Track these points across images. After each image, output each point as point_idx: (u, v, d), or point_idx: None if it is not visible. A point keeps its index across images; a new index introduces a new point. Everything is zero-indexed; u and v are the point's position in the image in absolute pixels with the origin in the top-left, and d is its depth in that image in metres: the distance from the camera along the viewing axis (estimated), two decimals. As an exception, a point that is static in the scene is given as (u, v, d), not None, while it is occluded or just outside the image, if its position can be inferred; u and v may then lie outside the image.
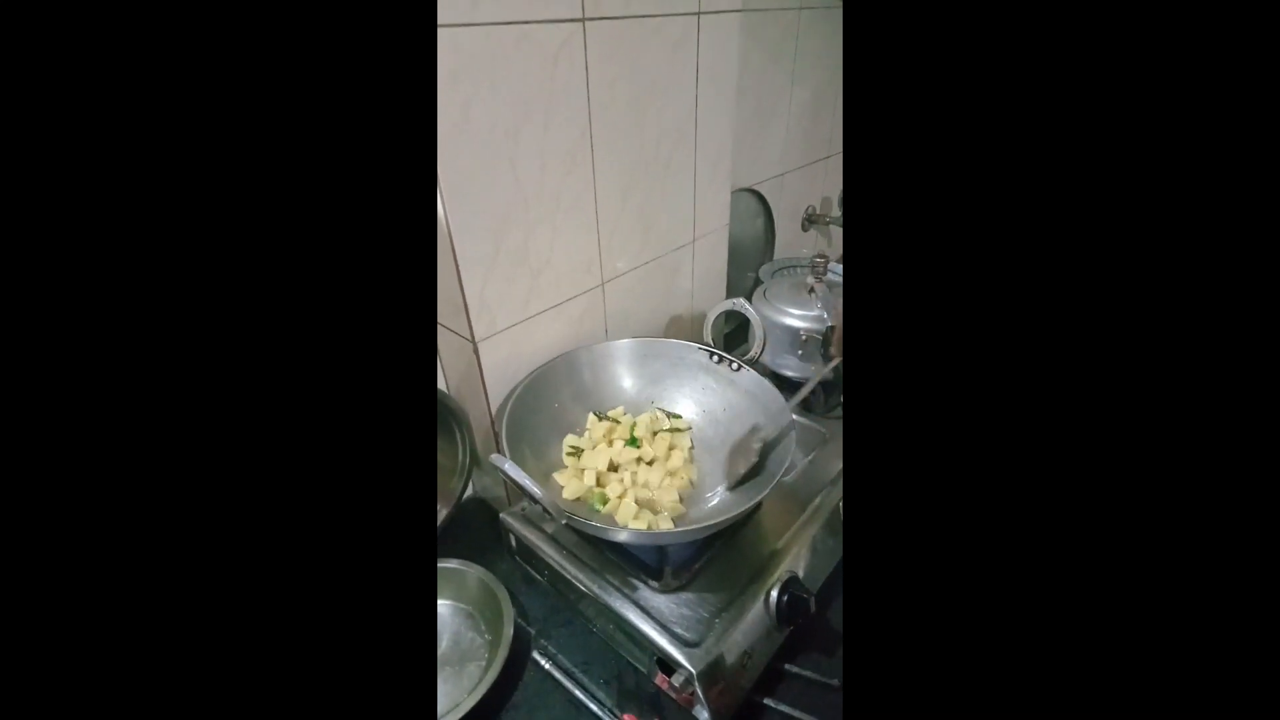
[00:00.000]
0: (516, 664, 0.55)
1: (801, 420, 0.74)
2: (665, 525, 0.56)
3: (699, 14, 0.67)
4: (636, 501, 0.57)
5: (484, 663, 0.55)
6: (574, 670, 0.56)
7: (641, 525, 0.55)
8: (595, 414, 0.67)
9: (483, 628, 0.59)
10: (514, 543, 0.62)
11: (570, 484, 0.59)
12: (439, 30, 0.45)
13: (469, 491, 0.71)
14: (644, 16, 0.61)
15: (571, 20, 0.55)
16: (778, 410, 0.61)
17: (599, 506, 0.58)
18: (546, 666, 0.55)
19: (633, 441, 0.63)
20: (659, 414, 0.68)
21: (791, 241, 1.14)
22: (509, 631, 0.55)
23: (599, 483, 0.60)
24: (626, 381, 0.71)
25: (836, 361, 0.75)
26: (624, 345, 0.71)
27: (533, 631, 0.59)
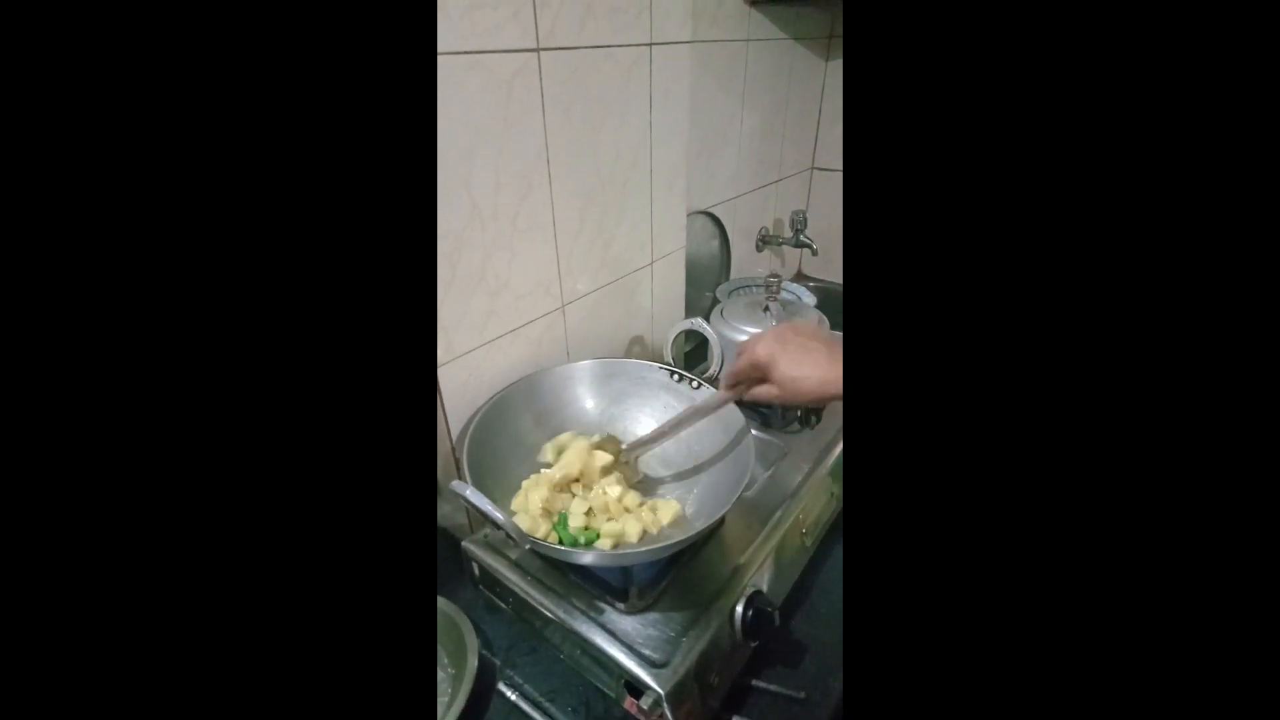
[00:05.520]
0: (481, 698, 0.54)
1: (760, 435, 0.75)
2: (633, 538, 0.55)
3: (650, 45, 0.69)
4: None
5: (447, 699, 0.53)
6: (541, 700, 0.54)
7: (635, 534, 0.55)
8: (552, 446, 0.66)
9: (445, 661, 0.57)
10: (477, 571, 0.61)
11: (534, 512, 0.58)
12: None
13: (429, 520, 0.69)
14: (596, 47, 0.62)
15: (526, 50, 0.56)
16: (736, 426, 0.62)
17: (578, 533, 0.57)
18: (513, 698, 0.54)
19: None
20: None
21: (746, 261, 1.17)
22: (473, 663, 0.53)
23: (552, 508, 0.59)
24: (589, 403, 0.71)
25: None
26: (585, 366, 0.71)
27: (498, 662, 0.58)
